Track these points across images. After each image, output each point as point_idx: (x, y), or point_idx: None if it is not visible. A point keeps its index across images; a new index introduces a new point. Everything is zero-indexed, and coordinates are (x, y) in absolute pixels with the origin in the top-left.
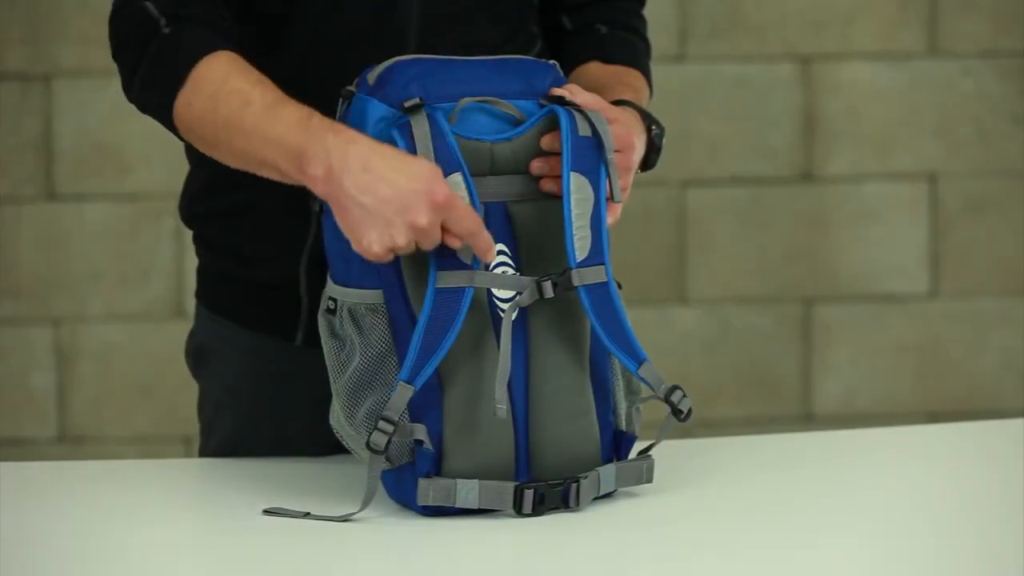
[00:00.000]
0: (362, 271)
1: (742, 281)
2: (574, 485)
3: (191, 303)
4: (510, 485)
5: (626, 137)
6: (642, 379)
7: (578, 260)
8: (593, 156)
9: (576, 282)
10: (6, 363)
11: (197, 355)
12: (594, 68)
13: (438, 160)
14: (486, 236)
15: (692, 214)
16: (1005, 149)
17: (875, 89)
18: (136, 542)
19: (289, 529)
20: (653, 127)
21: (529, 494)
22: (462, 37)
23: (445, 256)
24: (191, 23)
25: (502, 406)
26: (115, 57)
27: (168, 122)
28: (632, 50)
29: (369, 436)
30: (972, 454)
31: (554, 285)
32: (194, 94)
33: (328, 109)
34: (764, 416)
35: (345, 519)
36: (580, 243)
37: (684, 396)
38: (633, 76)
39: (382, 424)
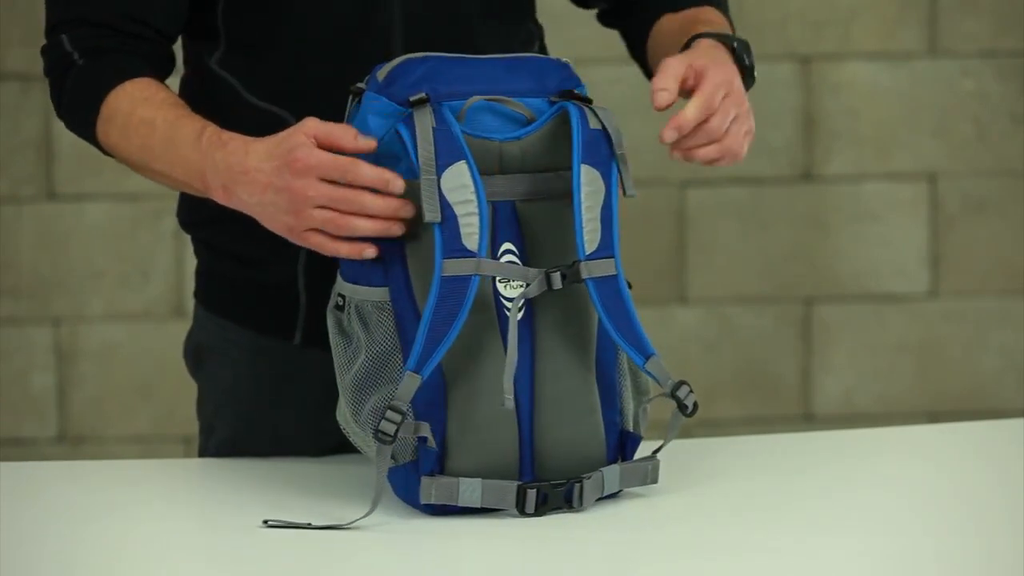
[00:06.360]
0: (370, 269)
1: (742, 281)
2: (577, 485)
3: (191, 303)
4: (513, 484)
5: (731, 79)
6: (649, 373)
7: (587, 252)
8: (604, 149)
9: (584, 275)
10: (6, 363)
11: (196, 355)
12: (666, 22)
13: (439, 151)
14: (352, 139)
15: (692, 214)
16: (1005, 149)
17: (875, 89)
18: (136, 542)
19: (289, 528)
20: (735, 45)
21: (532, 494)
22: (452, 35)
23: (451, 245)
24: (104, 54)
25: (509, 396)
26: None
27: (98, 147)
28: None
29: (377, 426)
30: (972, 454)
31: (563, 277)
32: (109, 125)
33: (317, 106)
34: (764, 416)
35: (352, 526)
36: (590, 236)
37: (690, 391)
38: (706, 12)
39: (390, 414)
